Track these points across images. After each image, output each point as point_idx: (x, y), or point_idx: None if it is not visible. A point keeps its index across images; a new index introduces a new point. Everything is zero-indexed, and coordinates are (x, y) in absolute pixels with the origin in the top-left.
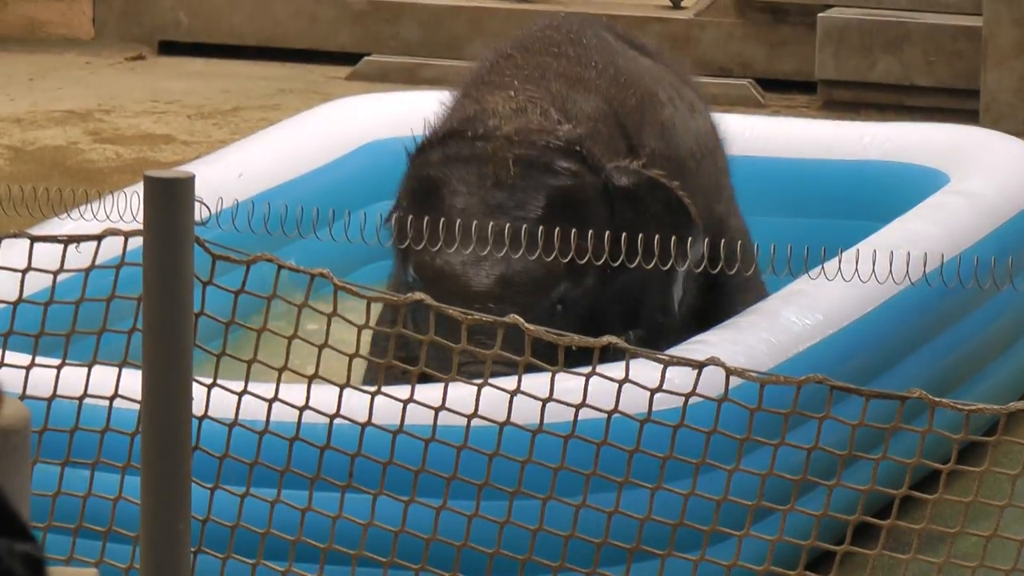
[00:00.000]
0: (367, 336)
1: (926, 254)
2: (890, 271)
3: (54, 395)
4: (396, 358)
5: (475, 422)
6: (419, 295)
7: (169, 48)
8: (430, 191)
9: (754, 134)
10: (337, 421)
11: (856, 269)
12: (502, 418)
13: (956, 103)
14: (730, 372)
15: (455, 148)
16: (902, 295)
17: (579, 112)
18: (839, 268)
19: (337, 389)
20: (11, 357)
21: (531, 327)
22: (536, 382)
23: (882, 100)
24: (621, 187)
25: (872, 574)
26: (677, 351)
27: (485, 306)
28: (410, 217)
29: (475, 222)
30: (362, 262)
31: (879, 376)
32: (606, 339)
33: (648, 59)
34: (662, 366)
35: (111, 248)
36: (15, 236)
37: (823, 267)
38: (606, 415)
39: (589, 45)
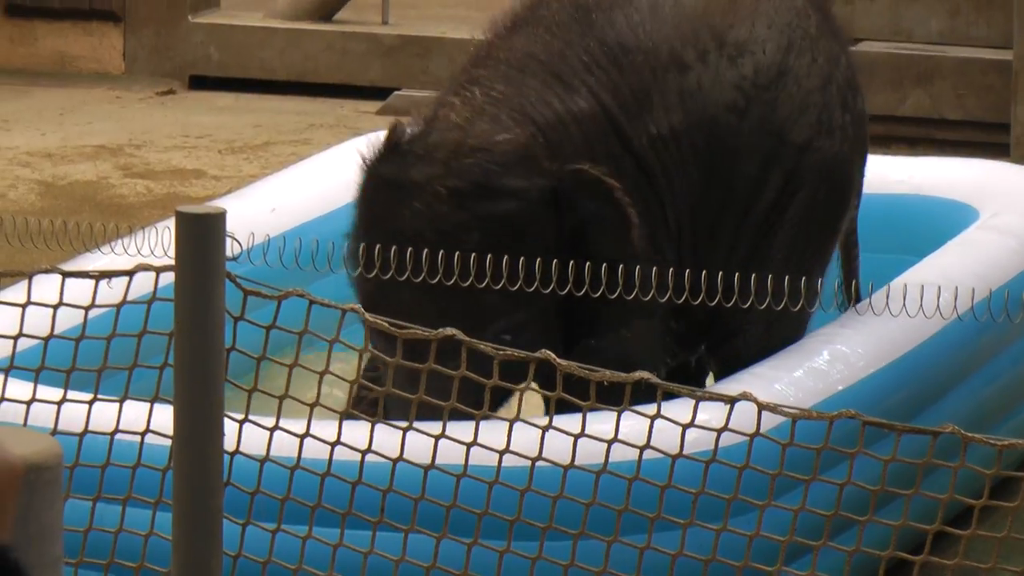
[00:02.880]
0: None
1: (957, 289)
2: (937, 306)
3: (86, 430)
4: (367, 378)
5: (504, 460)
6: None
7: (199, 83)
8: (368, 216)
9: None
10: (369, 456)
11: (904, 305)
12: (530, 455)
13: (986, 137)
14: (762, 407)
15: (394, 169)
16: (940, 332)
17: (544, 113)
18: (874, 302)
19: (368, 424)
20: (43, 392)
21: (563, 362)
22: (569, 421)
23: (912, 134)
24: (565, 193)
25: None
26: (714, 388)
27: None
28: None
29: (416, 250)
30: None
31: (920, 413)
32: (638, 375)
33: None
34: (694, 401)
35: (143, 283)
36: (47, 271)
37: (870, 302)
38: (638, 451)
39: (600, 17)
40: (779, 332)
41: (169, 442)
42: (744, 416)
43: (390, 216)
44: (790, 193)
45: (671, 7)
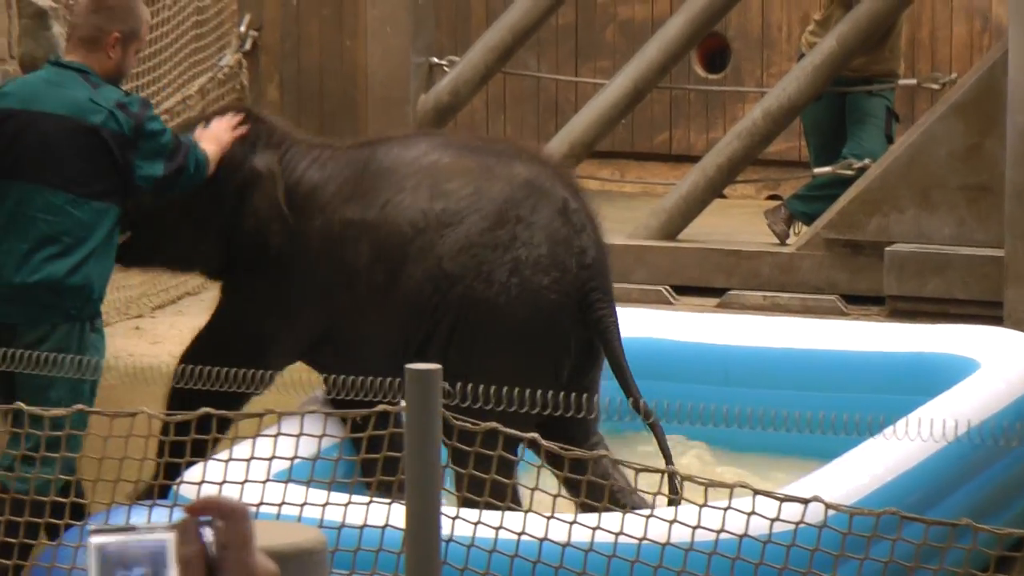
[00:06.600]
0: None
1: (956, 421)
2: (943, 431)
3: (343, 524)
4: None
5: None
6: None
7: None
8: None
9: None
10: (524, 537)
11: (919, 431)
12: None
13: (986, 312)
14: (829, 507)
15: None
16: (946, 449)
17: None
18: (899, 428)
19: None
20: (312, 497)
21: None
22: (688, 513)
23: (933, 310)
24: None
25: None
26: (788, 490)
27: None
28: None
29: None
30: None
31: (933, 506)
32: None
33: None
34: (778, 502)
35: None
36: (314, 412)
37: (894, 428)
38: (737, 537)
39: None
40: None
41: (401, 532)
42: (813, 512)
43: None
44: (443, 312)
45: (430, 157)
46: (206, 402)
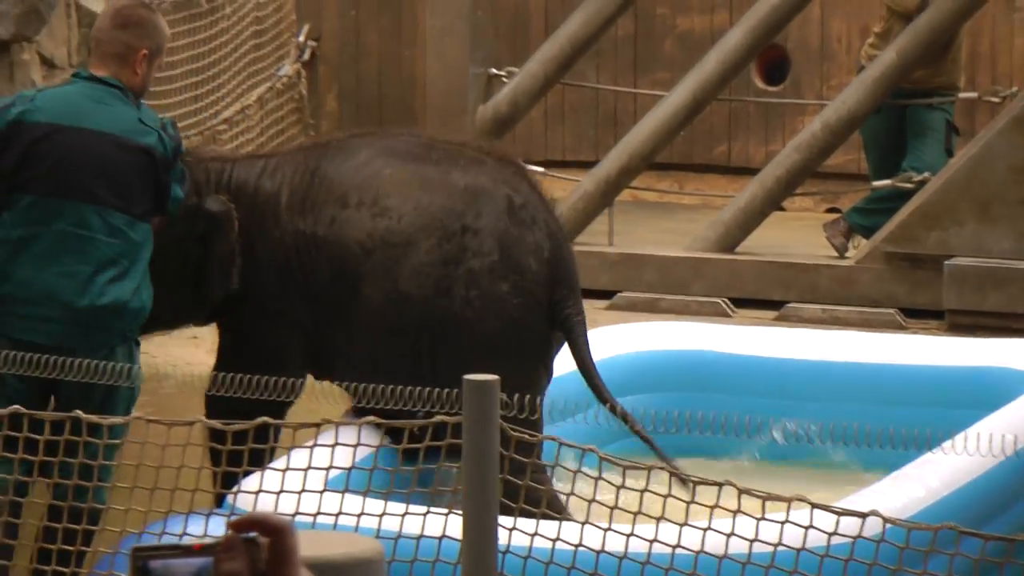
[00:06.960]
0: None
1: (1015, 435)
2: (1002, 446)
3: (399, 535)
4: None
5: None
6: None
7: None
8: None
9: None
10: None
11: (978, 445)
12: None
13: None
14: (886, 521)
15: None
16: (1004, 464)
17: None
18: (956, 443)
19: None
20: (369, 507)
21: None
22: (746, 526)
23: (993, 324)
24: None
25: None
26: (845, 503)
27: None
28: None
29: None
30: (611, 439)
31: (991, 521)
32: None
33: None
34: (836, 516)
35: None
36: (372, 423)
37: (953, 442)
38: (795, 551)
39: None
40: None
41: (458, 543)
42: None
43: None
44: (416, 332)
45: (371, 167)
46: (248, 417)
